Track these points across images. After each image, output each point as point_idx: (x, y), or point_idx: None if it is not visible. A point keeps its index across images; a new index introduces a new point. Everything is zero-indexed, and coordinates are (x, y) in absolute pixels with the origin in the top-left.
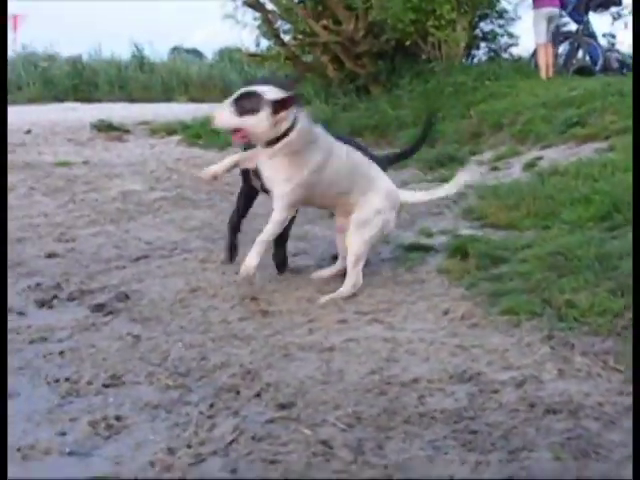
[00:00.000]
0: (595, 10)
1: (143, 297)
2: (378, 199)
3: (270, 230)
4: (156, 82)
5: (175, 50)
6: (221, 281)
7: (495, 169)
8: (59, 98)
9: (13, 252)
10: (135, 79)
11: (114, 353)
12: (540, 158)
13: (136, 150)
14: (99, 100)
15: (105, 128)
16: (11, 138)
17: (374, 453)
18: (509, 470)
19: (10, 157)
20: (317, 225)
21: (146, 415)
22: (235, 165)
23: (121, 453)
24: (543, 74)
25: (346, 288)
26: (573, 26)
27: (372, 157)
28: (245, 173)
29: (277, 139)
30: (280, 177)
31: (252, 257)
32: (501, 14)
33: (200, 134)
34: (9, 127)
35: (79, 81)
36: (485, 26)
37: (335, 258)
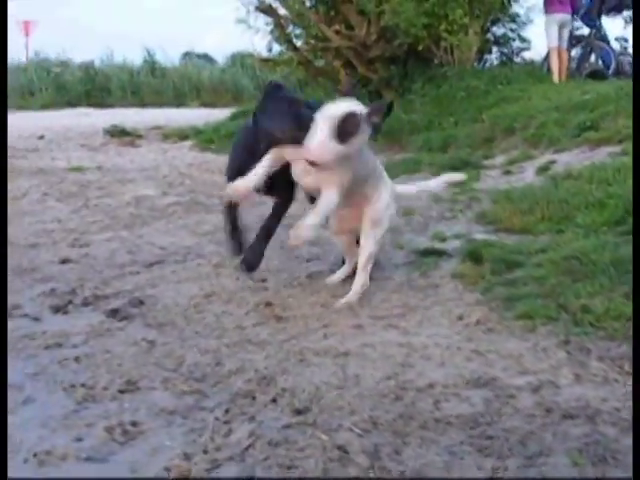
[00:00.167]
0: (607, 14)
1: (157, 302)
2: (386, 192)
3: (325, 207)
4: (168, 87)
5: (187, 55)
6: (235, 286)
7: (508, 173)
8: (72, 104)
9: (27, 258)
10: (147, 84)
11: (129, 359)
12: (553, 162)
13: (149, 155)
14: (111, 105)
15: (118, 133)
16: (24, 144)
17: (391, 459)
18: (526, 476)
19: (23, 163)
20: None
21: (162, 421)
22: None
23: (137, 459)
24: (556, 78)
25: (356, 288)
26: (585, 30)
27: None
28: (246, 168)
29: None
30: (332, 178)
31: (307, 227)
32: (513, 18)
33: (212, 139)
34: (22, 133)
35: (91, 87)
36: (497, 30)
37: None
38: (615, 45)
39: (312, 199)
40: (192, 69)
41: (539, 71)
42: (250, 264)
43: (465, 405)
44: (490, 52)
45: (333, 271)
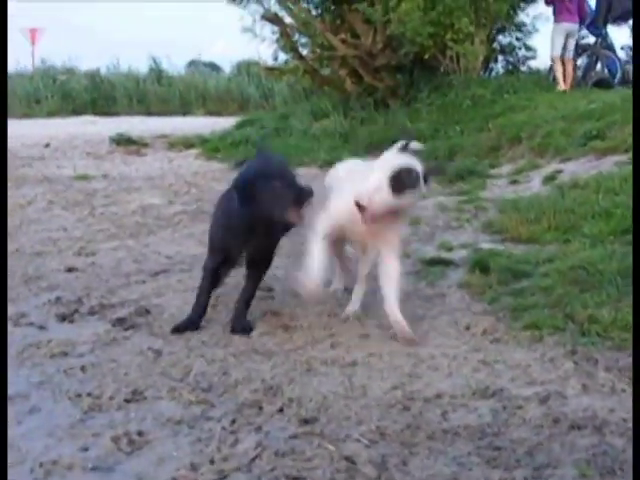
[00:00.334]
0: (613, 23)
1: (164, 312)
2: None
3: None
4: (174, 96)
5: (192, 63)
6: None
7: (514, 182)
8: (77, 112)
9: (33, 266)
10: (153, 93)
11: (135, 368)
12: (560, 171)
13: (155, 164)
14: (117, 114)
15: (124, 142)
16: (30, 152)
17: (398, 469)
18: None
19: (29, 171)
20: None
21: (168, 430)
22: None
23: (143, 469)
24: (561, 85)
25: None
26: (592, 39)
27: None
28: (230, 249)
29: None
30: (393, 234)
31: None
32: (519, 27)
33: (218, 148)
34: (28, 141)
35: (97, 95)
36: (503, 39)
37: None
38: (621, 54)
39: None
40: (198, 77)
41: (545, 80)
42: (245, 329)
43: (473, 416)
44: (496, 61)
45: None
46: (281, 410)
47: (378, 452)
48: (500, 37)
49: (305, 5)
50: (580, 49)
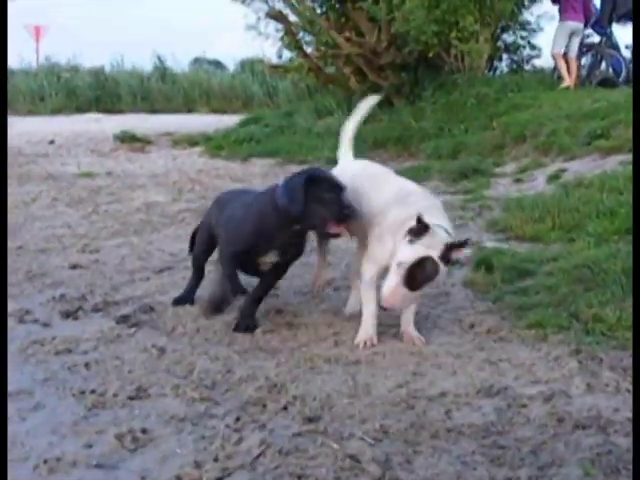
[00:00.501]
0: (618, 21)
1: (167, 309)
2: None
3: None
4: (178, 93)
5: (197, 61)
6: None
7: (519, 181)
8: (82, 109)
9: (37, 263)
10: (157, 90)
11: (139, 365)
12: (564, 170)
13: (159, 161)
14: (121, 111)
15: (128, 139)
16: (34, 149)
17: (402, 468)
18: None
19: (33, 168)
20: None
21: (172, 428)
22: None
23: (147, 466)
24: (567, 81)
25: None
26: (596, 38)
27: None
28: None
29: None
30: None
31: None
32: (523, 26)
33: (222, 145)
34: (32, 138)
35: (101, 92)
36: (507, 38)
37: None
38: (626, 53)
39: None
40: (202, 75)
41: (550, 79)
42: (249, 327)
43: (477, 414)
44: (500, 59)
45: (345, 278)
46: (285, 408)
47: (382, 450)
48: (505, 36)
49: (309, 3)
50: (585, 48)
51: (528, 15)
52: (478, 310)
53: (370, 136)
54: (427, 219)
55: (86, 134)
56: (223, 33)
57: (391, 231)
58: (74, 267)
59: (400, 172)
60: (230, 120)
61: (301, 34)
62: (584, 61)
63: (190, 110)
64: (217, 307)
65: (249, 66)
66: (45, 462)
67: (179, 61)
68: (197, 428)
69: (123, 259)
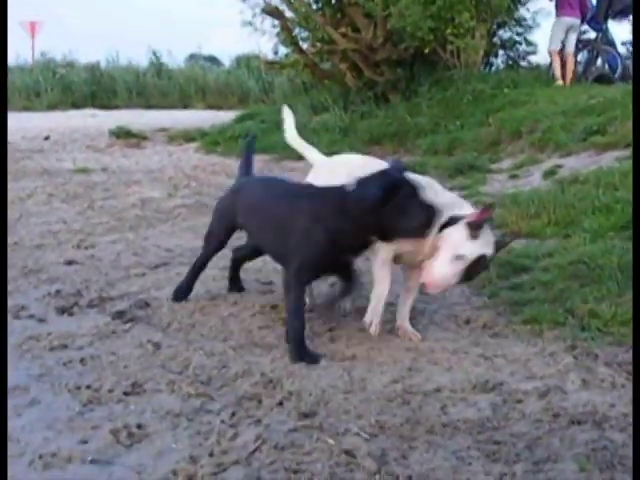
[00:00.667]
0: (614, 18)
1: (163, 305)
2: None
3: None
4: (174, 89)
5: (192, 57)
6: (241, 288)
7: (514, 177)
8: (77, 105)
9: (32, 258)
10: (153, 86)
11: (135, 361)
12: (560, 166)
13: (154, 157)
14: (117, 107)
15: (123, 135)
16: (29, 144)
17: (398, 463)
18: None
19: (28, 163)
20: None
21: (168, 423)
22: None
23: (143, 462)
24: (560, 82)
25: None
26: (592, 34)
27: None
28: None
29: None
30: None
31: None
32: (519, 22)
33: (218, 141)
34: (27, 134)
35: (97, 88)
36: (504, 34)
37: None
38: (622, 49)
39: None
40: (198, 71)
41: (545, 75)
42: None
43: (472, 410)
44: (496, 56)
45: None
46: (281, 403)
47: (378, 446)
48: (501, 32)
49: None
50: (581, 44)
51: (524, 11)
52: (474, 306)
53: (366, 132)
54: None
55: (82, 130)
56: (219, 29)
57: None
58: (69, 263)
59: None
60: (226, 116)
61: (297, 30)
62: (580, 57)
63: (186, 106)
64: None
65: (245, 62)
66: (40, 457)
67: (175, 57)
68: (192, 423)
69: (118, 255)
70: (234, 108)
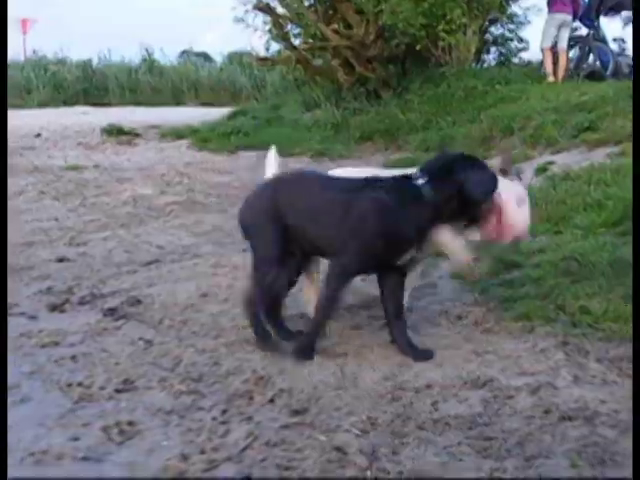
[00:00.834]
0: (606, 14)
1: (154, 302)
2: None
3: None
4: (166, 86)
5: (184, 54)
6: (232, 285)
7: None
8: (69, 102)
9: (24, 256)
10: (145, 83)
11: (126, 358)
12: (552, 163)
13: (146, 154)
14: (109, 104)
15: (115, 132)
16: (21, 142)
17: (389, 459)
18: (525, 477)
19: (20, 161)
20: None
21: (159, 420)
22: None
23: (134, 459)
24: (551, 78)
25: None
26: (584, 31)
27: None
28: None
29: None
30: None
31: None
32: (511, 18)
33: (210, 138)
34: (19, 131)
35: (89, 85)
36: (495, 30)
37: None
38: (613, 46)
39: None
40: (190, 68)
41: (537, 72)
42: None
43: (463, 406)
44: (488, 52)
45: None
46: (272, 400)
47: (369, 442)
48: (492, 28)
49: None
50: (572, 41)
51: (516, 8)
52: (465, 302)
53: (358, 128)
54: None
55: (73, 127)
56: (211, 26)
57: None
58: (61, 260)
59: (388, 164)
60: (218, 113)
61: (289, 26)
62: (572, 54)
63: (178, 103)
64: None
65: (237, 59)
66: (31, 455)
67: (167, 54)
68: (184, 421)
69: (110, 252)
70: (226, 105)
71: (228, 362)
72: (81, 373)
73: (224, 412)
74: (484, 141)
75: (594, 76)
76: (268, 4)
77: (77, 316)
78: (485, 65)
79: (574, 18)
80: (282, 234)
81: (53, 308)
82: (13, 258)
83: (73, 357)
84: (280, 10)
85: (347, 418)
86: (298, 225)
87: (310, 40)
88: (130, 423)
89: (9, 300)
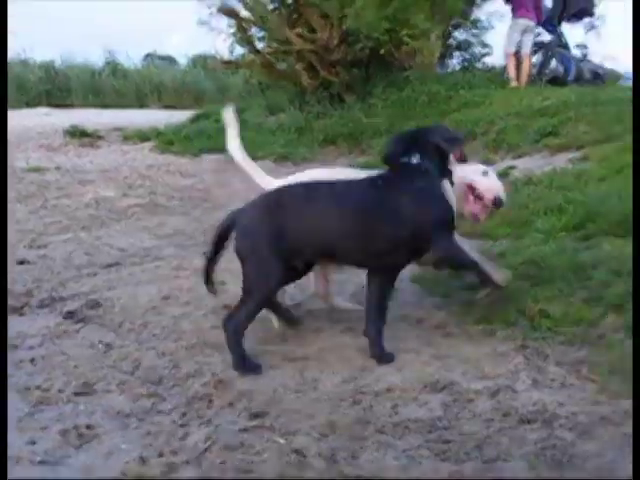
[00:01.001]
0: (568, 21)
1: (115, 305)
2: None
3: None
4: (129, 88)
5: (149, 56)
6: (193, 289)
7: None
8: (32, 103)
9: None
10: (108, 85)
11: (85, 361)
12: (514, 167)
13: (109, 156)
14: (72, 106)
15: (78, 134)
16: None
17: (348, 462)
18: None
19: None
20: None
21: (118, 424)
22: None
23: (92, 462)
24: (514, 83)
25: None
26: (547, 37)
27: None
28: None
29: None
30: None
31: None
32: (475, 24)
33: (173, 141)
34: None
35: (52, 87)
36: (459, 35)
37: None
38: (576, 52)
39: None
40: (154, 70)
41: (500, 77)
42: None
43: (423, 409)
44: (452, 57)
45: None
46: (231, 404)
47: (328, 445)
48: (456, 33)
49: None
50: (535, 46)
51: (480, 13)
52: (426, 306)
53: (321, 132)
54: None
55: (36, 128)
56: (175, 29)
57: None
58: (21, 262)
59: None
60: (181, 116)
61: (253, 30)
62: (535, 59)
63: (142, 105)
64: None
65: (201, 62)
66: None
67: (131, 57)
68: (143, 424)
69: (71, 254)
70: (190, 108)
71: (188, 365)
72: (40, 376)
73: (183, 415)
74: None
75: (557, 81)
76: (232, 8)
77: (36, 319)
78: (449, 70)
79: (537, 24)
80: (285, 263)
81: (12, 311)
82: None
83: (32, 360)
84: (244, 13)
85: (306, 421)
86: (316, 241)
87: (274, 44)
88: (89, 426)
89: None
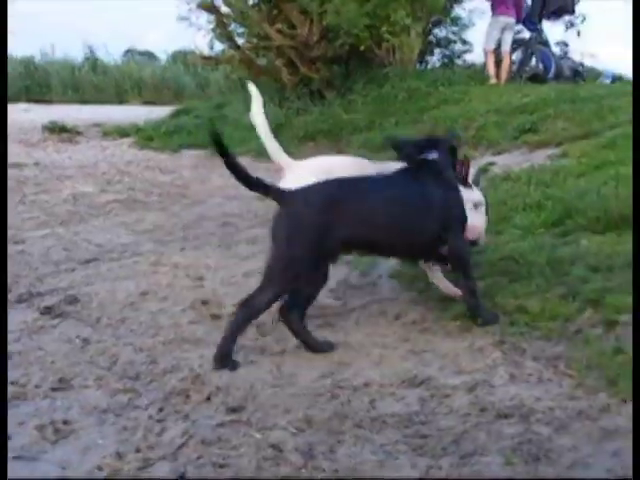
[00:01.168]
0: (548, 18)
1: (92, 300)
2: None
3: None
4: (109, 84)
5: (129, 52)
6: (171, 284)
7: None
8: (11, 99)
9: None
10: (88, 81)
11: (63, 356)
12: (493, 164)
13: (88, 152)
14: (51, 101)
15: (57, 130)
16: None
17: (325, 457)
18: (460, 475)
19: None
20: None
21: (94, 419)
22: None
23: (68, 457)
24: (493, 79)
25: None
26: (527, 34)
27: None
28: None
29: None
30: None
31: None
32: (455, 21)
33: (152, 137)
34: None
35: (31, 82)
36: (439, 32)
37: None
38: (555, 49)
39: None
40: (134, 66)
41: (480, 74)
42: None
43: (400, 404)
44: (432, 54)
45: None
46: (208, 399)
47: (305, 440)
48: (436, 30)
49: None
50: (515, 44)
51: (460, 10)
52: (404, 301)
53: (301, 128)
54: None
55: (14, 124)
56: (155, 25)
57: None
58: None
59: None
60: (161, 111)
61: (233, 26)
62: (515, 56)
63: (121, 101)
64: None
65: (181, 58)
66: None
67: (111, 52)
68: (120, 419)
69: (49, 250)
70: (170, 103)
71: (165, 360)
72: (16, 371)
73: (160, 410)
74: None
75: (536, 79)
76: (212, 3)
77: (14, 314)
78: (429, 67)
79: (517, 21)
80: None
81: None
82: None
83: (9, 355)
84: (224, 9)
85: (283, 416)
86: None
87: (254, 40)
88: (65, 422)
89: None
